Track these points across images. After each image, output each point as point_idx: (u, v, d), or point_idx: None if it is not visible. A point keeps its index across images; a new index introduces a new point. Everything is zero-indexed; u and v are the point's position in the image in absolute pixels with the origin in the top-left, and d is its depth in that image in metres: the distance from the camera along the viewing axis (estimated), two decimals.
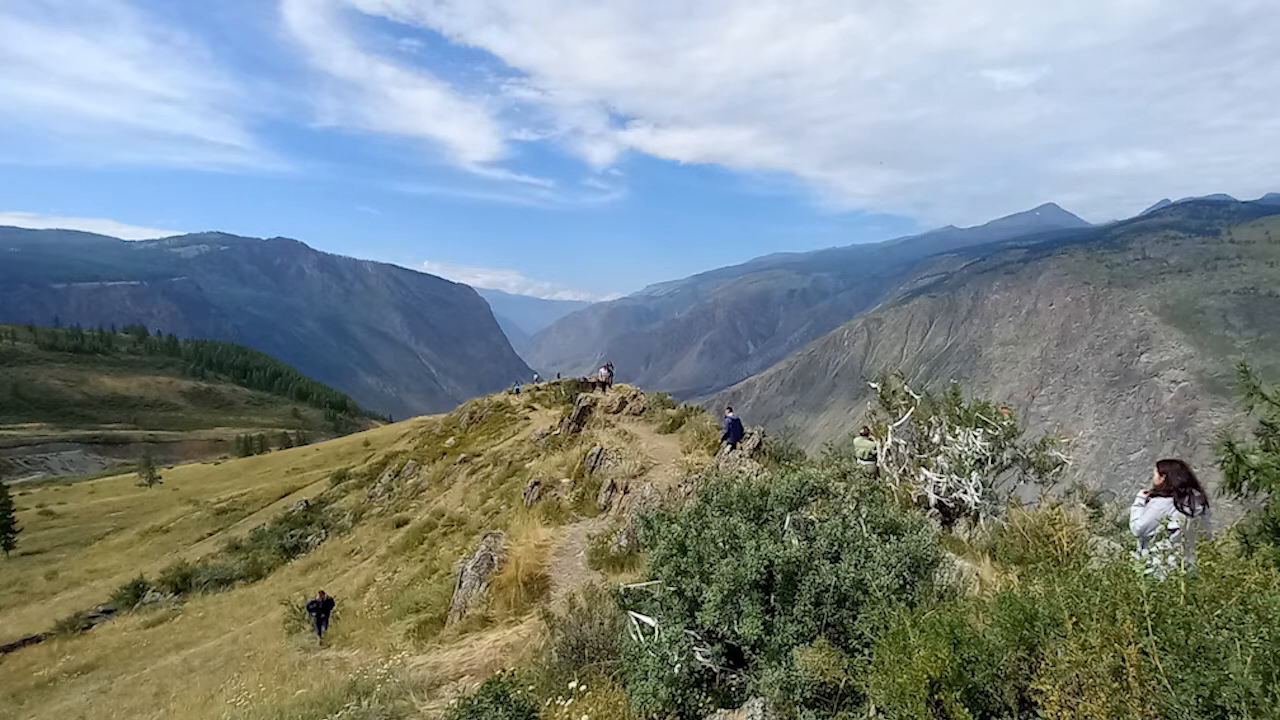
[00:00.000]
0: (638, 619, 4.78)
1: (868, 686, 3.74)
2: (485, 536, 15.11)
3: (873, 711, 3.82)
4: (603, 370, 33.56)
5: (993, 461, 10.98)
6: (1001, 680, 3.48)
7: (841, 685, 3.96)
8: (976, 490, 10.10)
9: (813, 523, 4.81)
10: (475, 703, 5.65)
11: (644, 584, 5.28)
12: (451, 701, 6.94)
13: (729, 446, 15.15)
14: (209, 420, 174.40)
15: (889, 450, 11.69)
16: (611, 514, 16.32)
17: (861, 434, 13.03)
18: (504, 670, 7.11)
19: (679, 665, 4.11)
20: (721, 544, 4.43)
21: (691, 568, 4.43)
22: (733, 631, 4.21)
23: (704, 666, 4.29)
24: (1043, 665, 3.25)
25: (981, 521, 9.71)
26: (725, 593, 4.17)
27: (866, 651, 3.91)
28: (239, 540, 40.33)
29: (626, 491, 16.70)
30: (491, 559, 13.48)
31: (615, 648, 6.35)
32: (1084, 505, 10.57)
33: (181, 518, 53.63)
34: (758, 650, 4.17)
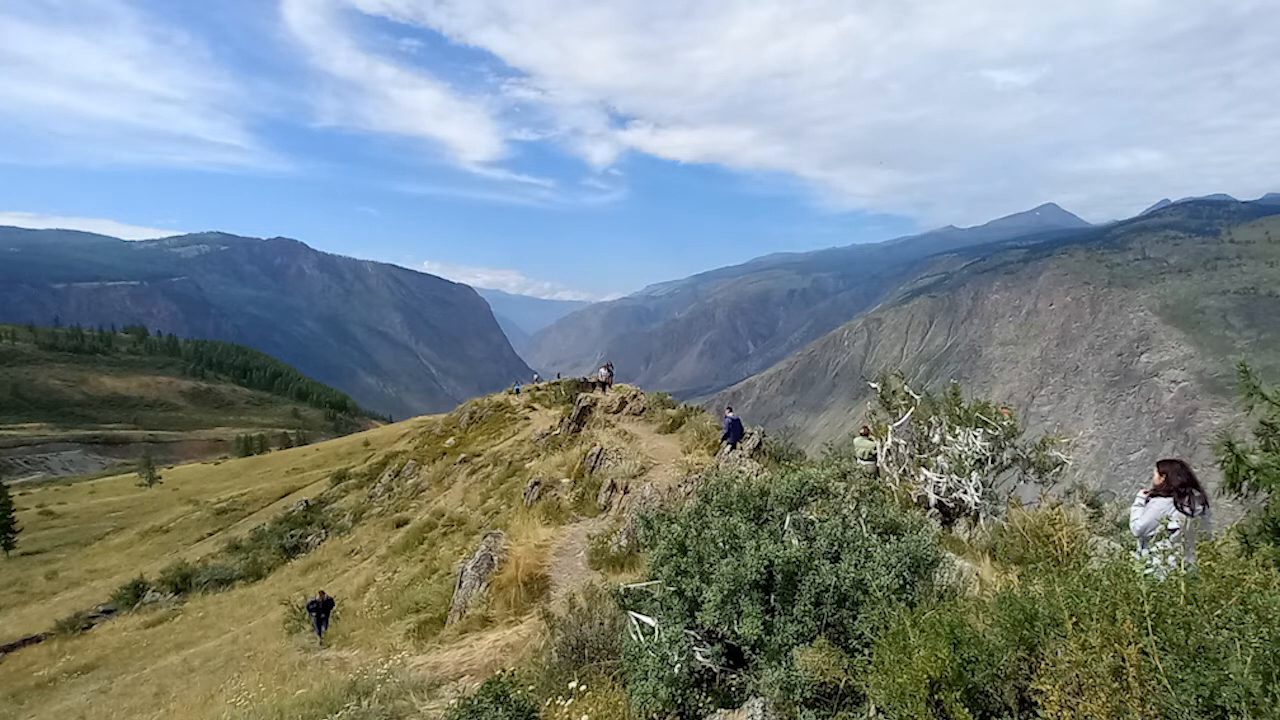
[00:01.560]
0: (638, 619, 4.78)
1: (868, 686, 3.76)
2: (485, 536, 15.21)
3: (873, 711, 3.82)
4: (603, 370, 33.50)
5: (993, 461, 11.00)
6: (1001, 680, 3.49)
7: (841, 685, 3.97)
8: (976, 490, 10.12)
9: (813, 523, 4.83)
10: (475, 703, 5.68)
11: (644, 584, 5.28)
12: (451, 701, 7.04)
13: (729, 446, 15.16)
14: (209, 420, 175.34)
15: (889, 450, 11.74)
16: (612, 514, 16.36)
17: (861, 434, 13.01)
18: (504, 670, 7.11)
19: (679, 665, 4.13)
20: (721, 544, 4.44)
21: (691, 568, 4.45)
22: (733, 631, 4.22)
23: (704, 666, 4.30)
24: (1043, 665, 3.27)
25: (981, 521, 9.73)
26: (725, 593, 4.18)
27: (866, 651, 3.93)
28: (239, 540, 40.42)
29: (626, 491, 16.71)
30: (491, 559, 13.56)
31: (615, 648, 6.37)
32: (1084, 505, 10.60)
33: (181, 518, 53.76)
34: (758, 650, 4.18)
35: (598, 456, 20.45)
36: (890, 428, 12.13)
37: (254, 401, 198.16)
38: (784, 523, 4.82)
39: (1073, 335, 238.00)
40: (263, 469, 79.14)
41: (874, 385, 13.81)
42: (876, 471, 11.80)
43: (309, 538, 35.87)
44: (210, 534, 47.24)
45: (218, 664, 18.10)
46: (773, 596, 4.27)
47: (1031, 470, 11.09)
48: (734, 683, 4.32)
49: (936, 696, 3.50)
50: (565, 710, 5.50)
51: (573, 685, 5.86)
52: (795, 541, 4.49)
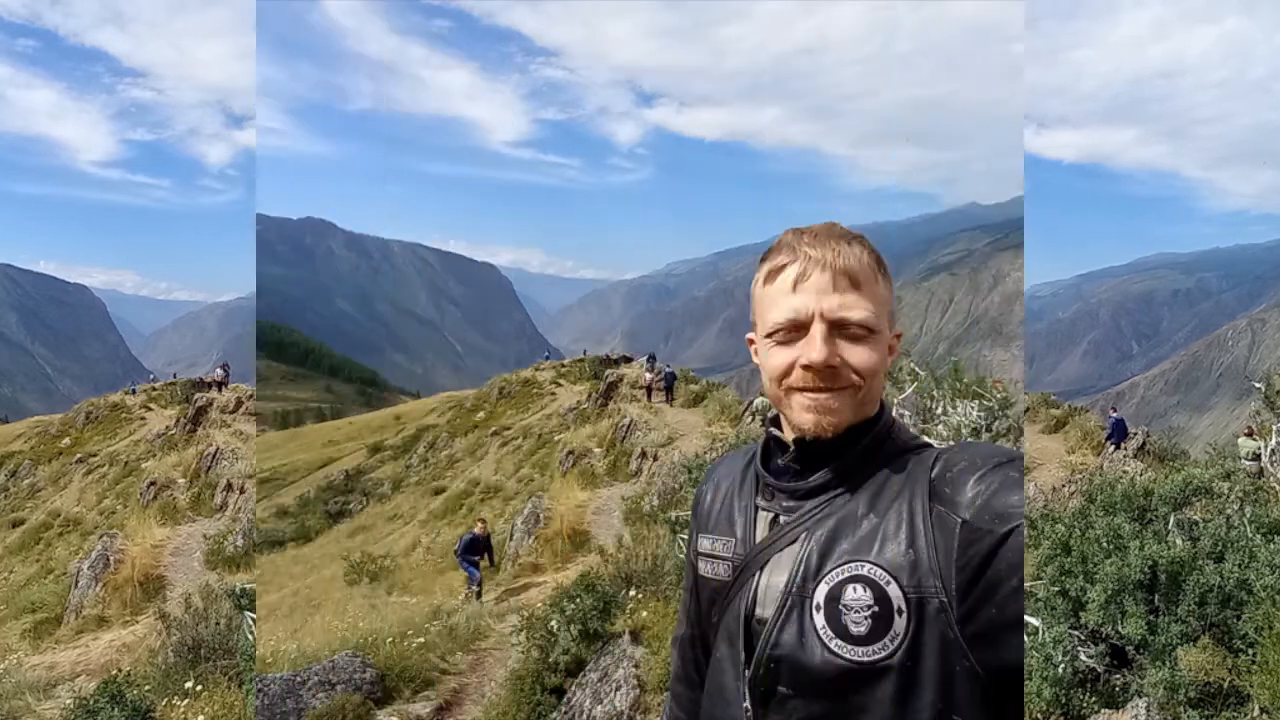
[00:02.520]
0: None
1: (1252, 687, 5.53)
2: (101, 536, 22.00)
3: (1257, 712, 5.71)
4: (219, 370, 51.85)
5: None
6: None
7: (1225, 685, 6.10)
8: None
9: (1196, 523, 7.85)
10: (91, 702, 8.89)
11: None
12: (68, 702, 10.71)
13: (1113, 446, 24.34)
14: None
15: (1274, 450, 17.10)
16: (228, 514, 25.33)
17: (1246, 434, 19.31)
18: (120, 670, 11.11)
19: (1063, 665, 6.88)
20: (1105, 544, 6.82)
21: (1075, 568, 7.10)
22: (1116, 631, 7.16)
23: (1088, 666, 6.88)
24: None
25: None
26: (1109, 593, 7.13)
27: (1251, 652, 5.91)
28: None
29: (243, 491, 26.64)
30: (108, 559, 19.26)
31: (232, 648, 10.32)
32: None
33: None
34: (1141, 650, 7.09)
35: (214, 456, 31.81)
36: (1275, 428, 17.77)
37: None
38: (1168, 522, 7.15)
39: None
40: None
41: (1258, 385, 19.77)
42: (1261, 472, 17.27)
43: None
44: None
45: None
46: (1156, 596, 7.36)
47: None
48: (1118, 683, 7.14)
49: None
50: (182, 710, 8.90)
51: (189, 685, 9.46)
52: (1179, 541, 6.87)
